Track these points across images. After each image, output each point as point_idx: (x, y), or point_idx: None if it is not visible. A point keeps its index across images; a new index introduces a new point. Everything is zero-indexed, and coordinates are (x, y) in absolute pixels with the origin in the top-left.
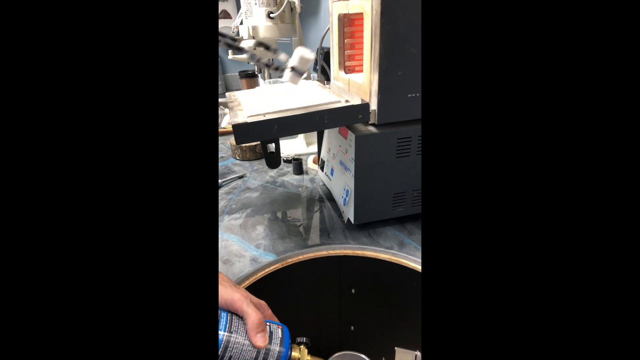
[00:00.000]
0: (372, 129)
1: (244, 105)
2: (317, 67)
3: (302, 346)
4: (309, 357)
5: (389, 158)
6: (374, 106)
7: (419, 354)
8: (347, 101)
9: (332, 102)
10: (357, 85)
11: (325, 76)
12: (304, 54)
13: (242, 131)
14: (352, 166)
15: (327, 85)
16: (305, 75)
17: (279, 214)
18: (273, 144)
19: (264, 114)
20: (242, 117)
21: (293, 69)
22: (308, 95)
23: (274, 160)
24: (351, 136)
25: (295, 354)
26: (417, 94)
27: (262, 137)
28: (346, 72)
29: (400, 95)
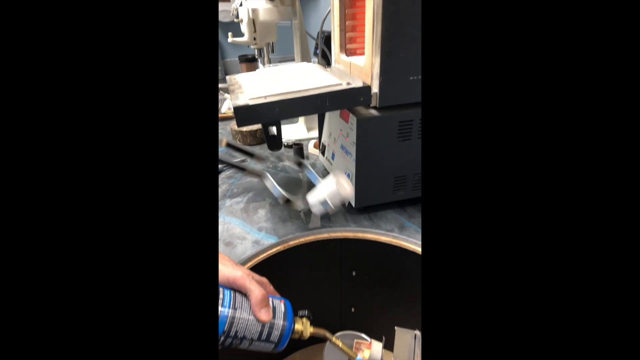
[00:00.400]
0: (373, 112)
1: (245, 88)
2: (318, 52)
3: (304, 319)
4: (311, 329)
5: (390, 141)
6: (375, 89)
7: (418, 332)
8: (348, 84)
9: (333, 85)
10: (359, 68)
11: (326, 60)
12: (340, 190)
13: (243, 113)
14: (353, 150)
15: (328, 69)
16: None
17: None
18: (274, 127)
19: (265, 97)
20: (243, 100)
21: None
22: (309, 77)
23: (275, 143)
24: (352, 119)
25: (298, 326)
26: (419, 77)
27: (264, 119)
28: (347, 55)
29: (402, 77)
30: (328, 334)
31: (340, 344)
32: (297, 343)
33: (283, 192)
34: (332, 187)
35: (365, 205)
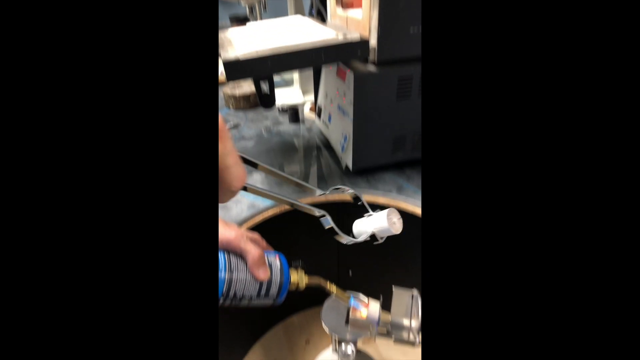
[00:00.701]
0: (371, 68)
1: (235, 42)
2: (313, 12)
3: (298, 269)
4: (307, 279)
5: (389, 100)
6: (373, 41)
7: (415, 292)
8: (344, 36)
9: (328, 38)
10: (356, 22)
11: (321, 19)
12: (390, 227)
13: (233, 68)
14: (350, 110)
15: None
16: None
17: (276, 162)
18: (267, 83)
19: (256, 50)
20: (233, 54)
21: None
22: (303, 31)
23: (268, 99)
24: (349, 77)
25: (294, 278)
26: (420, 29)
27: (255, 74)
28: (344, 8)
29: (401, 30)
30: (322, 282)
31: (335, 290)
32: (295, 306)
33: (339, 233)
34: (384, 224)
35: (362, 167)
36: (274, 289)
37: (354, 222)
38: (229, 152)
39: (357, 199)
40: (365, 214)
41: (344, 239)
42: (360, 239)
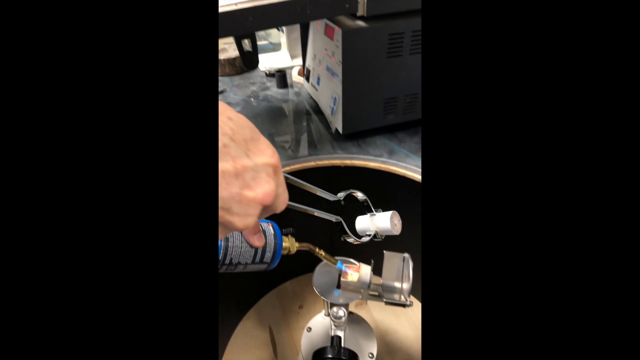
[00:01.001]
0: (361, 23)
1: None
2: None
3: (289, 235)
4: (297, 244)
5: (379, 58)
6: None
7: (407, 255)
8: None
9: None
10: None
11: None
12: (392, 229)
13: None
14: (339, 70)
15: None
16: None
17: (263, 128)
18: (249, 41)
19: (235, 3)
20: None
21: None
22: None
23: (251, 59)
24: (338, 34)
25: (285, 244)
26: None
27: (236, 31)
28: None
29: None
30: (311, 246)
31: (323, 254)
32: (289, 272)
33: (349, 232)
34: (386, 226)
35: (353, 131)
36: (268, 255)
37: (357, 218)
38: (280, 183)
39: (365, 201)
40: (369, 213)
41: (351, 239)
42: (364, 239)
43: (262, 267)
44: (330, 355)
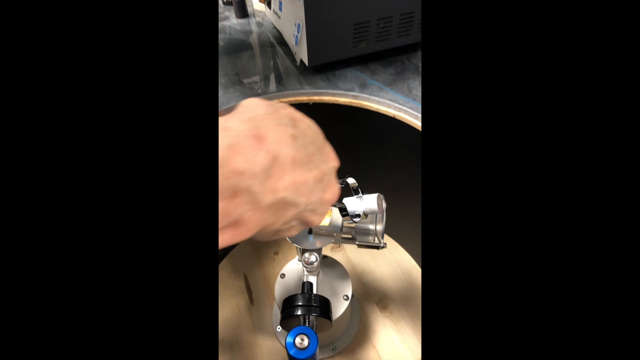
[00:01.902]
0: None
1: None
2: None
3: None
4: None
5: None
6: None
7: (381, 196)
8: None
9: None
10: None
11: None
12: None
13: None
14: None
15: None
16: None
17: (222, 63)
18: None
19: None
20: None
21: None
22: None
23: None
24: None
25: None
26: None
27: None
28: None
29: None
30: None
31: None
32: None
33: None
34: (373, 207)
35: (320, 62)
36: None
37: (344, 199)
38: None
39: (356, 190)
40: (356, 195)
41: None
42: (356, 219)
43: None
44: (300, 303)
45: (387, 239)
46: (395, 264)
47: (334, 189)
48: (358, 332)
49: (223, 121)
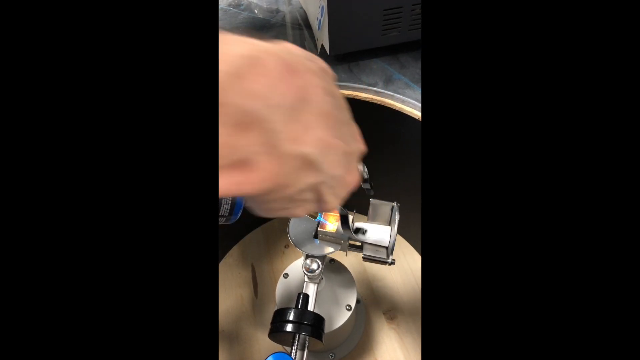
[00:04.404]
0: None
1: None
2: None
3: None
4: None
5: None
6: None
7: (395, 205)
8: None
9: None
10: None
11: None
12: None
13: None
14: None
15: None
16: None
17: None
18: None
19: None
20: None
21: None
22: None
23: None
24: None
25: None
26: None
27: None
28: None
29: None
30: None
31: None
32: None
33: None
34: (383, 241)
35: (343, 51)
36: (225, 207)
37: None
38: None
39: (366, 181)
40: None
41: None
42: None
43: (221, 220)
44: (291, 318)
45: (405, 245)
46: (410, 272)
47: (356, 173)
48: (361, 340)
49: (243, 37)
